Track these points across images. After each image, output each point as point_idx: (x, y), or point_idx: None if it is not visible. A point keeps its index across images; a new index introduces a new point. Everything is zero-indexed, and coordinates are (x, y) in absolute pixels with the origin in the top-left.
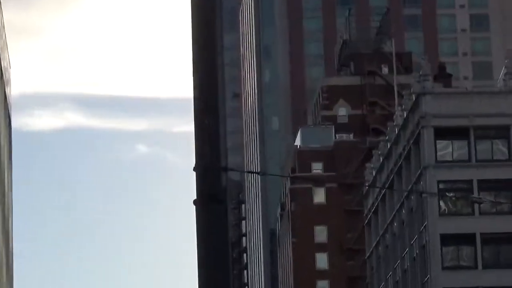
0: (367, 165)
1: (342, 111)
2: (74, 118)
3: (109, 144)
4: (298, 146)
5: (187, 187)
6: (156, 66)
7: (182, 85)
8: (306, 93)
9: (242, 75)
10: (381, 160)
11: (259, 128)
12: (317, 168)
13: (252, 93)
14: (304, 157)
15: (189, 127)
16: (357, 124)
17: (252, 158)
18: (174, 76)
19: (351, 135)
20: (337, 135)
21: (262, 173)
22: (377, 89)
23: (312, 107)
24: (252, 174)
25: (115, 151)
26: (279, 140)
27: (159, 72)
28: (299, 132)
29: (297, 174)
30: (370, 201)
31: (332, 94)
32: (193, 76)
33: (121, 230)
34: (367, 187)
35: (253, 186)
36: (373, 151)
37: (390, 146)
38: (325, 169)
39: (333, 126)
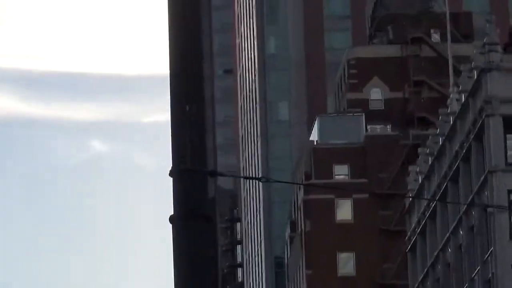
0: (411, 168)
1: (375, 93)
2: (6, 103)
3: (51, 140)
4: (315, 142)
5: (160, 198)
6: (118, 32)
7: (153, 59)
8: (325, 69)
9: (237, 45)
10: (430, 161)
11: (261, 118)
12: (341, 172)
13: (251, 70)
14: (323, 157)
15: (163, 116)
16: (396, 111)
17: (250, 159)
18: (142, 47)
19: (389, 127)
20: (368, 127)
21: (265, 180)
22: (425, 63)
23: (335, 89)
24: (250, 181)
25: (59, 149)
26: (289, 134)
27: (122, 41)
28: (316, 123)
29: (314, 181)
30: (415, 218)
31: (362, 71)
32: (169, 46)
33: (68, 261)
34: (410, 199)
35: (252, 198)
36: (419, 150)
37: (443, 143)
38: (352, 173)
39: (363, 114)
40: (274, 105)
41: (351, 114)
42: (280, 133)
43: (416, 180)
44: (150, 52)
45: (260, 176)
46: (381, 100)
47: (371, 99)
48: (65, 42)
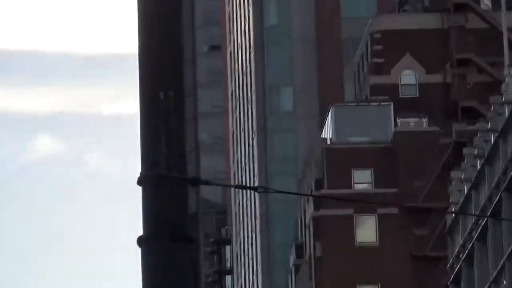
0: (454, 174)
1: (407, 76)
2: None
3: None
4: (329, 141)
5: (126, 213)
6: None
7: (118, 33)
8: (342, 45)
9: (227, 14)
10: (478, 165)
11: (258, 108)
12: (362, 179)
13: (245, 46)
14: (340, 160)
15: (131, 106)
16: (435, 100)
17: (244, 163)
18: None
19: (425, 121)
20: (398, 121)
21: (262, 189)
22: (472, 36)
23: (354, 70)
24: (244, 192)
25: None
26: (294, 130)
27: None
28: (329, 115)
29: (326, 191)
30: (459, 240)
31: (390, 47)
32: (138, 15)
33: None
34: (453, 215)
35: (246, 213)
36: (465, 150)
37: (495, 141)
38: (378, 181)
39: (392, 104)
40: (275, 91)
41: (375, 103)
42: (283, 129)
43: (461, 190)
44: (112, 23)
45: (256, 185)
46: (415, 85)
47: (401, 84)
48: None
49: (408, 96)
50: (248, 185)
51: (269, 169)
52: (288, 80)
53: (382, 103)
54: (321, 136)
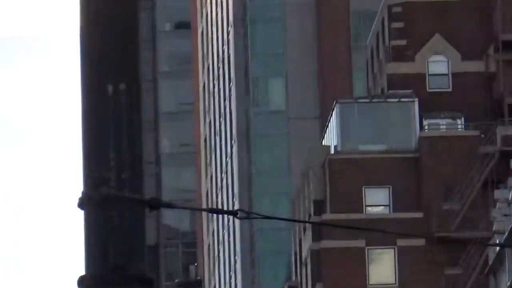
0: (499, 194)
1: (438, 64)
2: None
3: None
4: (333, 149)
5: (65, 243)
6: None
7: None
8: (350, 21)
9: None
10: None
11: (238, 106)
12: (377, 201)
13: (221, 24)
14: (347, 174)
15: (67, 108)
16: (474, 95)
17: (220, 178)
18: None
19: (460, 122)
20: (426, 122)
21: (244, 214)
22: None
23: (366, 56)
24: (220, 217)
25: None
26: (286, 134)
27: None
28: (334, 115)
29: (330, 216)
30: (505, 280)
31: (415, 25)
32: None
33: None
34: (497, 248)
35: (223, 246)
36: None
37: None
38: (397, 203)
39: (417, 100)
40: (261, 83)
41: (395, 99)
42: (272, 133)
43: (508, 214)
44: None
45: (236, 208)
46: (448, 75)
47: (430, 74)
48: None
49: (439, 90)
50: (225, 208)
51: (254, 186)
52: (278, 69)
53: (403, 99)
54: (323, 143)
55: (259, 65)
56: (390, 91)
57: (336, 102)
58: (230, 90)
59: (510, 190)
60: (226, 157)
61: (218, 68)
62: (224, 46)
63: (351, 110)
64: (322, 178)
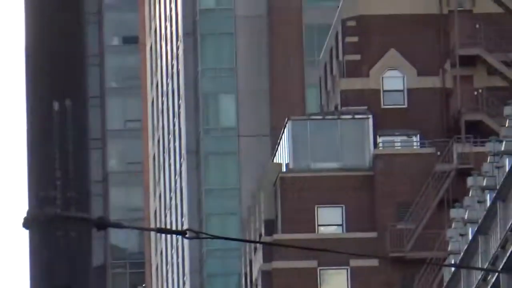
0: (454, 212)
1: (393, 80)
2: None
3: None
4: (284, 167)
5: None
6: None
7: None
8: (303, 36)
9: None
10: (488, 201)
11: (188, 123)
12: (330, 220)
13: (171, 38)
14: (299, 193)
15: (11, 123)
16: (430, 111)
17: (168, 198)
18: None
19: (416, 139)
20: (380, 140)
21: (193, 234)
22: (482, 25)
23: (319, 73)
24: (168, 237)
25: None
26: (237, 152)
27: None
28: (286, 132)
29: (281, 235)
30: None
31: (370, 39)
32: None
33: None
34: (453, 270)
35: (172, 266)
36: (470, 180)
37: (511, 169)
38: (351, 223)
39: (371, 116)
40: (211, 100)
41: (348, 116)
42: (222, 151)
43: (464, 234)
44: None
45: (185, 227)
46: (403, 91)
47: (384, 90)
48: None
49: (394, 106)
50: (174, 228)
51: (203, 205)
52: (229, 85)
53: (357, 116)
54: (274, 160)
55: (209, 81)
56: (344, 108)
57: (288, 119)
58: (179, 107)
59: (466, 210)
60: (175, 176)
61: (167, 84)
62: (173, 61)
63: (303, 127)
64: (273, 197)
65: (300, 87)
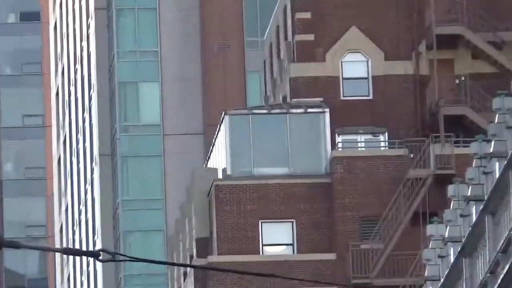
0: (431, 228)
1: (354, 65)
2: None
3: None
4: (221, 173)
5: None
6: None
7: None
8: (243, 11)
9: None
10: (474, 215)
11: (101, 120)
12: (276, 238)
13: (79, 15)
14: (238, 203)
15: None
16: (401, 104)
17: (78, 210)
18: None
19: (383, 138)
20: (340, 138)
21: (107, 256)
22: None
23: (264, 56)
24: (76, 259)
25: None
26: (161, 155)
27: None
28: (222, 130)
29: (217, 258)
30: None
31: (325, 15)
32: None
33: None
34: None
35: None
36: (450, 189)
37: (503, 172)
38: (302, 241)
39: (328, 110)
40: (130, 90)
41: (299, 110)
42: (143, 153)
43: (444, 256)
44: None
45: (97, 248)
46: (367, 79)
47: (344, 78)
48: None
49: (356, 98)
50: (85, 248)
51: (121, 221)
52: (151, 72)
53: (311, 110)
54: (208, 165)
55: (127, 67)
56: (294, 100)
57: (224, 114)
58: (90, 99)
59: (446, 225)
60: (85, 184)
61: (76, 70)
62: (83, 43)
63: (244, 123)
64: (207, 210)
65: (240, 74)
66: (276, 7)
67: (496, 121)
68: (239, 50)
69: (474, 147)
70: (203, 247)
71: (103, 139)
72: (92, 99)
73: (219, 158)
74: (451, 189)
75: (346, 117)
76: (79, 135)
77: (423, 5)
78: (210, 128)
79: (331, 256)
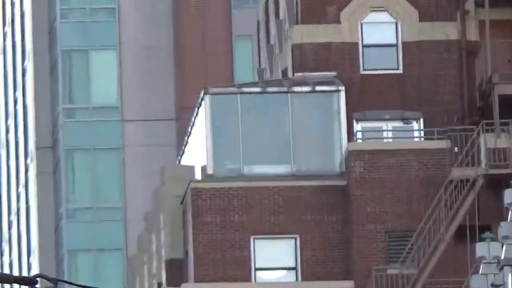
0: (481, 248)
1: (378, 27)
2: None
3: None
4: (200, 172)
5: None
6: None
7: None
8: None
9: None
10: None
11: (39, 100)
12: (275, 260)
13: None
14: (222, 213)
15: None
16: (443, 82)
17: (5, 224)
18: None
19: (417, 125)
20: (359, 126)
21: (46, 284)
22: None
23: (257, 17)
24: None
25: None
26: (121, 147)
27: None
28: (202, 113)
29: (193, 285)
30: None
31: None
32: None
33: None
34: None
35: None
36: (508, 195)
37: None
38: (309, 263)
39: (343, 88)
40: (78, 61)
41: (305, 88)
42: (95, 145)
43: (498, 285)
44: None
45: (33, 273)
46: (396, 47)
47: (365, 46)
48: None
49: (381, 72)
50: (16, 273)
51: (65, 236)
52: (107, 37)
53: (320, 88)
54: (182, 162)
55: (74, 29)
56: (299, 74)
57: (204, 93)
58: (24, 73)
59: (502, 244)
60: (17, 187)
61: (5, 34)
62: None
63: (230, 106)
64: (181, 223)
65: (225, 40)
66: None
67: None
68: (224, 8)
69: None
70: (175, 271)
71: (41, 127)
72: (27, 73)
73: (197, 152)
74: (508, 195)
75: (368, 97)
76: (9, 121)
77: None
78: (184, 112)
79: (347, 284)
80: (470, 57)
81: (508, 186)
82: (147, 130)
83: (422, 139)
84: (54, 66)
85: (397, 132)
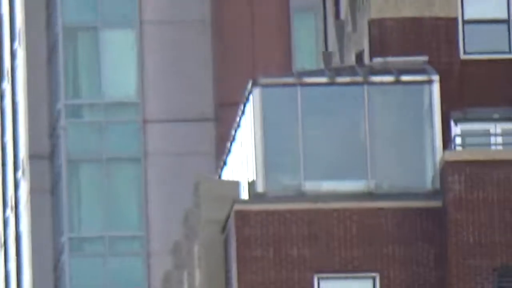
0: None
1: (485, 2)
2: None
3: None
4: (246, 189)
5: None
6: None
7: None
8: None
9: None
10: None
11: (33, 95)
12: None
13: None
14: (279, 247)
15: None
16: None
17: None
18: None
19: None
20: (459, 128)
21: None
22: None
23: None
24: None
25: None
26: (142, 155)
27: None
28: (249, 111)
29: None
30: None
31: None
32: None
33: None
34: None
35: None
36: None
37: None
38: None
39: (438, 77)
40: (84, 44)
41: (388, 78)
42: (108, 154)
43: None
44: None
45: None
46: (507, 23)
47: (466, 22)
48: None
49: (487, 57)
50: None
51: (69, 272)
52: (124, 14)
53: (406, 78)
54: (221, 175)
55: (79, 5)
56: (377, 60)
57: (253, 85)
58: (13, 57)
59: None
60: (4, 209)
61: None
62: None
63: (287, 102)
64: (222, 256)
65: (281, 15)
66: None
67: None
68: None
69: None
70: None
71: (36, 130)
72: (17, 59)
73: (243, 164)
74: None
75: (470, 90)
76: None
77: None
78: (226, 110)
79: None
80: None
81: None
82: (175, 134)
83: None
84: (53, 49)
85: (510, 136)
